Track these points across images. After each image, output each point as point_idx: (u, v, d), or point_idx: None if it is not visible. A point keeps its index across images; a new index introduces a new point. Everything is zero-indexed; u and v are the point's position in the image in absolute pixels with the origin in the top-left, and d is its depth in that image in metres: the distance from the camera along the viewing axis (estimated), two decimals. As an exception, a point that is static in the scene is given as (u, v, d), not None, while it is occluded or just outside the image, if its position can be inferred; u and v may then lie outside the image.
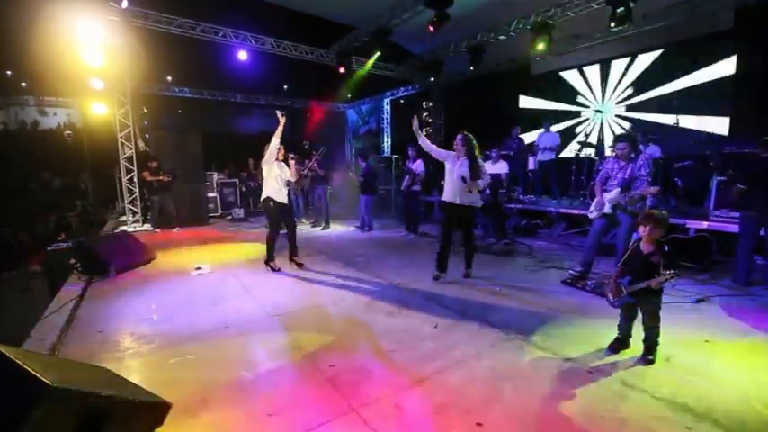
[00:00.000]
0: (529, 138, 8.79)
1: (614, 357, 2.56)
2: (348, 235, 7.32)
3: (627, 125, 7.86)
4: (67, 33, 6.60)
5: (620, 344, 2.63)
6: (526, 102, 9.88)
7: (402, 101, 13.70)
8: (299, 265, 4.86)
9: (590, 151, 7.15)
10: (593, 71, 8.47)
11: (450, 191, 4.19)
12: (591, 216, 4.29)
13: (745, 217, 4.05)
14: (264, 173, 4.65)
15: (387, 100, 13.84)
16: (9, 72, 14.51)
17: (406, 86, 12.90)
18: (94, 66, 6.91)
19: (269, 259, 4.77)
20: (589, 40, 8.09)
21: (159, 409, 1.88)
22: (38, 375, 1.49)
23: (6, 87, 14.45)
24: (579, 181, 7.07)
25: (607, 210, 4.02)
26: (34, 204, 13.37)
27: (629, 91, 7.90)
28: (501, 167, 6.64)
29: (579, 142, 7.17)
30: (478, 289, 3.99)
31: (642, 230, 2.49)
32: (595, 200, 4.19)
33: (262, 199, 4.69)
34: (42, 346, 2.74)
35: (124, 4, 6.73)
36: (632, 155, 3.94)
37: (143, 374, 2.36)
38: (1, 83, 14.18)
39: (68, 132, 16.30)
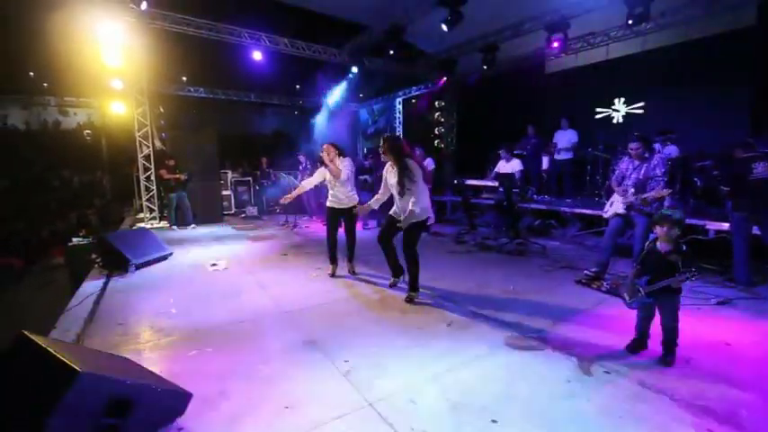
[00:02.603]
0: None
1: (632, 358, 2.53)
2: (359, 234, 7.35)
3: (644, 124, 7.72)
4: (88, 35, 6.78)
5: (637, 344, 2.60)
6: (541, 100, 9.76)
7: (414, 100, 13.69)
8: (353, 272, 4.49)
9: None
10: (609, 69, 8.33)
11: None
12: (606, 216, 4.24)
13: (735, 218, 4.06)
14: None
15: (399, 99, 13.84)
16: (32, 73, 14.94)
17: (418, 86, 12.90)
18: (114, 66, 7.10)
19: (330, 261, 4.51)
20: (605, 38, 7.99)
21: (181, 398, 1.93)
22: (68, 362, 1.55)
23: (29, 88, 14.88)
24: (594, 180, 6.97)
25: (621, 210, 3.98)
26: (55, 201, 13.78)
27: (647, 90, 7.75)
28: (514, 166, 6.60)
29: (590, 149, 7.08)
30: (492, 288, 3.98)
31: (659, 230, 2.46)
32: (610, 200, 4.15)
33: None
34: (67, 336, 2.84)
35: (143, 6, 6.87)
36: (646, 154, 3.89)
37: (163, 365, 2.42)
38: (24, 84, 14.61)
39: (88, 132, 16.74)
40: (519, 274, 4.49)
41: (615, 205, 4.07)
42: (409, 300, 3.55)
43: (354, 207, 4.28)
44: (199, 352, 2.64)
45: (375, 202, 3.87)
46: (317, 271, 4.61)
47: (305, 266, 4.87)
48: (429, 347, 2.68)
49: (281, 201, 4.71)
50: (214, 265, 4.86)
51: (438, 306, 3.47)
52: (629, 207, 3.91)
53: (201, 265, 4.86)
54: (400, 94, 13.64)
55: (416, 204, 3.38)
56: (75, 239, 7.14)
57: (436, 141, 12.04)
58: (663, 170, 3.76)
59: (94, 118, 15.87)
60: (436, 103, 12.46)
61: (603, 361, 2.48)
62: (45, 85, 15.23)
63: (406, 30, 8.41)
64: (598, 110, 8.51)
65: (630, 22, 6.29)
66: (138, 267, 4.59)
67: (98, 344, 2.72)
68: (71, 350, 1.89)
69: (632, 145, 3.86)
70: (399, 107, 13.97)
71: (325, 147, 4.26)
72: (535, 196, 7.09)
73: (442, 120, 12.09)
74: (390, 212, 3.72)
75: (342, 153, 4.32)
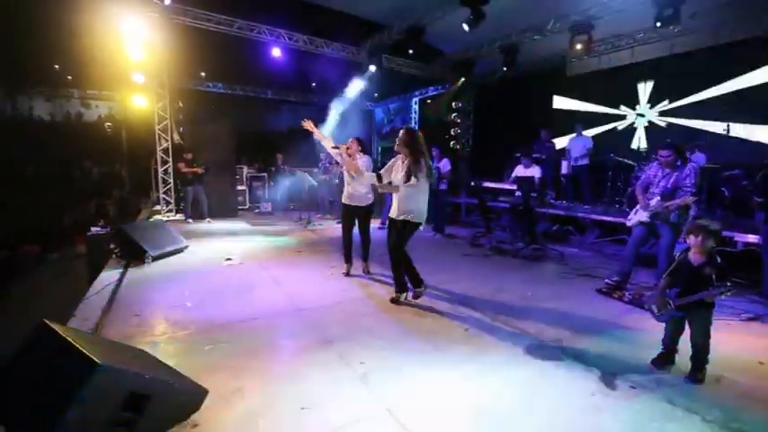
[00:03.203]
0: (560, 142, 8.52)
1: (659, 373, 2.42)
2: (374, 234, 7.31)
3: (670, 130, 7.50)
4: (112, 29, 6.89)
5: (664, 359, 2.49)
6: (560, 103, 9.59)
7: (429, 101, 13.59)
8: (368, 272, 4.41)
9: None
10: (634, 72, 8.12)
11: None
12: (629, 224, 4.11)
13: (766, 230, 3.91)
14: None
15: (415, 99, 13.76)
16: (57, 66, 15.29)
17: (435, 86, 12.80)
18: (136, 60, 7.20)
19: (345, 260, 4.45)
20: (631, 41, 7.79)
21: (197, 394, 1.91)
22: (87, 353, 1.54)
23: (54, 80, 15.25)
24: (615, 187, 6.79)
25: (645, 218, 3.85)
26: (75, 191, 14.09)
27: (674, 94, 7.53)
28: (534, 170, 6.47)
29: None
30: (509, 293, 3.89)
31: (692, 240, 2.35)
32: (635, 207, 4.02)
33: None
34: (85, 325, 2.86)
35: (167, 1, 6.96)
36: (678, 162, 3.75)
37: (179, 359, 2.41)
38: (49, 76, 14.97)
39: (108, 124, 17.11)
40: (537, 280, 4.39)
41: (639, 213, 3.94)
42: (395, 300, 3.49)
43: (369, 207, 4.27)
44: (214, 347, 2.63)
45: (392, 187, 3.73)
46: (332, 269, 4.58)
47: (319, 264, 4.85)
48: (446, 353, 2.62)
49: (304, 123, 4.18)
50: (229, 259, 4.88)
51: (455, 310, 3.40)
52: (654, 215, 3.78)
53: (216, 260, 4.88)
54: (417, 93, 13.56)
55: (418, 203, 3.38)
56: (93, 229, 7.26)
57: (452, 142, 11.93)
58: (693, 181, 3.62)
59: (115, 111, 16.19)
60: (453, 104, 12.36)
61: (629, 375, 2.38)
62: (69, 77, 15.59)
63: (425, 30, 8.35)
64: (621, 114, 8.30)
65: (659, 24, 6.10)
66: (154, 259, 4.64)
67: (115, 334, 2.74)
68: (90, 340, 1.88)
69: (663, 152, 3.73)
70: (415, 107, 13.89)
71: (351, 140, 4.26)
72: (553, 200, 6.93)
73: (459, 121, 11.97)
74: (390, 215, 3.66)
75: (364, 150, 4.33)
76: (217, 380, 2.14)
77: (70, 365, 1.53)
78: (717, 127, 6.45)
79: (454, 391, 2.19)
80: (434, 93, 13.00)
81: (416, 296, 3.52)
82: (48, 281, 7.48)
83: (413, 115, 13.91)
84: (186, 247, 5.34)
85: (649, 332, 2.76)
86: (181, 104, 12.62)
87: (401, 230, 3.41)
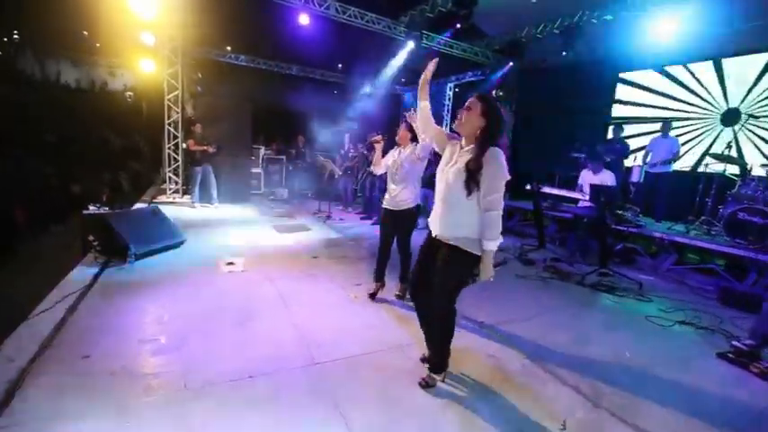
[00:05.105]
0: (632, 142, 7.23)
1: None
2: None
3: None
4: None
5: None
6: (625, 97, 8.23)
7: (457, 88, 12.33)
8: (403, 297, 3.43)
9: (721, 167, 5.58)
10: (725, 66, 6.72)
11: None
12: None
13: None
14: None
15: (450, 84, 12.53)
16: (85, 32, 14.62)
17: (474, 71, 11.56)
18: (145, 18, 6.27)
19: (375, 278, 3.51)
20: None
21: None
22: None
23: (83, 46, 14.69)
24: (703, 203, 5.56)
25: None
26: (91, 160, 13.54)
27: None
28: (606, 177, 5.31)
29: (711, 154, 5.61)
30: (596, 347, 2.84)
31: None
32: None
33: None
34: (8, 370, 1.97)
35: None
36: None
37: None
38: (78, 42, 14.39)
39: (129, 93, 16.53)
40: (625, 327, 3.32)
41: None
42: (428, 384, 2.17)
43: (409, 212, 3.25)
44: (181, 432, 1.70)
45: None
46: (356, 288, 3.61)
47: (340, 277, 3.89)
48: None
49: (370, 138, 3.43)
50: (230, 263, 3.97)
51: (533, 376, 2.39)
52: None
53: (215, 263, 3.97)
54: (452, 79, 12.32)
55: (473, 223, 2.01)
56: (91, 207, 6.48)
57: (490, 135, 10.71)
58: None
59: (138, 80, 15.61)
60: (494, 92, 11.10)
61: None
62: (98, 45, 14.95)
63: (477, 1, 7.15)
64: (709, 110, 6.92)
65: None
66: (139, 257, 3.77)
67: (44, 390, 1.85)
68: None
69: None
70: (450, 93, 12.66)
71: (405, 124, 3.22)
72: (639, 220, 5.63)
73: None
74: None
75: (416, 138, 3.20)
76: None
77: None
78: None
79: None
80: (473, 78, 11.75)
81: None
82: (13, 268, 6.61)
83: (447, 102, 12.70)
84: (183, 241, 4.47)
85: None
86: (200, 75, 11.78)
87: (447, 265, 2.02)
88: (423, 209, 3.37)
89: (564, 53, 8.00)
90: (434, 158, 6.03)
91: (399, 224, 3.31)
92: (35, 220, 8.26)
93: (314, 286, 3.58)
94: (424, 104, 2.26)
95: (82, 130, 13.63)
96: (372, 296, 3.41)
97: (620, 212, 5.08)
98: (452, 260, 1.98)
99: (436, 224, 2.07)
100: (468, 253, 1.95)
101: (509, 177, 1.91)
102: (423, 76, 2.25)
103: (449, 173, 1.99)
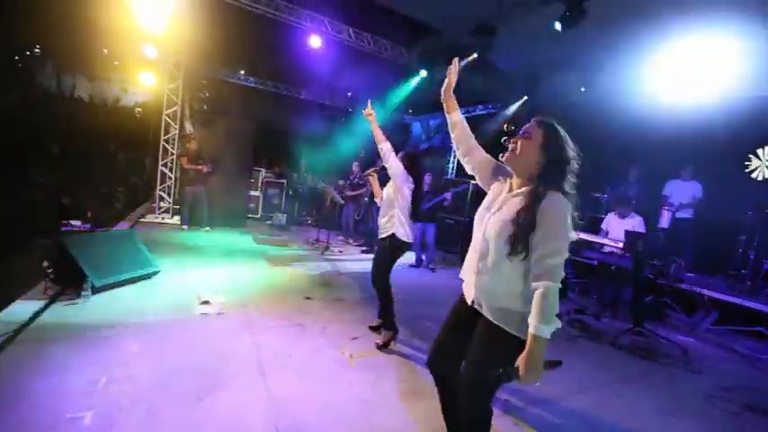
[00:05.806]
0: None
1: None
2: (405, 275, 5.71)
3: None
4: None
5: None
6: (653, 138, 7.77)
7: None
8: (381, 347, 2.97)
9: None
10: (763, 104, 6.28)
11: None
12: None
13: None
14: None
15: (461, 117, 12.27)
16: (105, 50, 14.73)
17: (485, 105, 11.35)
18: (149, 31, 5.98)
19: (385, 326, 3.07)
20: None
21: None
22: None
23: (101, 64, 14.82)
24: (746, 255, 4.99)
25: None
26: (93, 174, 13.20)
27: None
28: (635, 222, 4.78)
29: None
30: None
31: None
32: None
33: None
34: None
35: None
36: None
37: None
38: (95, 59, 14.49)
39: (138, 109, 16.45)
40: (683, 413, 2.66)
41: None
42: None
43: (390, 240, 2.97)
44: None
45: None
46: (352, 344, 2.99)
47: (334, 327, 3.27)
48: None
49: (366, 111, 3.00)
50: (205, 303, 3.37)
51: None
52: None
53: (186, 304, 3.35)
54: (462, 111, 12.02)
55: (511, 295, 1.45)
56: (73, 223, 5.93)
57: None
58: None
59: (150, 98, 15.70)
60: (505, 126, 10.80)
61: None
62: (116, 63, 15.03)
63: (496, 31, 6.91)
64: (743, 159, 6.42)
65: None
66: (97, 290, 3.19)
67: None
68: None
69: None
70: (459, 126, 12.38)
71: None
72: (684, 276, 4.99)
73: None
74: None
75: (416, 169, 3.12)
76: None
77: None
78: None
79: None
80: (483, 112, 11.52)
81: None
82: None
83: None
84: (156, 272, 3.88)
85: None
86: (207, 95, 11.56)
87: (486, 346, 1.43)
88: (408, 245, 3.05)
89: (582, 89, 7.70)
90: (431, 188, 5.38)
91: (377, 253, 3.11)
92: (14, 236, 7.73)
93: (301, 342, 2.94)
94: (456, 119, 1.77)
95: (88, 142, 13.44)
96: (383, 347, 2.94)
97: (659, 264, 4.48)
98: (492, 340, 1.40)
99: (470, 285, 1.51)
100: (509, 335, 1.37)
101: (575, 238, 1.35)
102: (446, 81, 1.73)
103: (489, 222, 1.45)
